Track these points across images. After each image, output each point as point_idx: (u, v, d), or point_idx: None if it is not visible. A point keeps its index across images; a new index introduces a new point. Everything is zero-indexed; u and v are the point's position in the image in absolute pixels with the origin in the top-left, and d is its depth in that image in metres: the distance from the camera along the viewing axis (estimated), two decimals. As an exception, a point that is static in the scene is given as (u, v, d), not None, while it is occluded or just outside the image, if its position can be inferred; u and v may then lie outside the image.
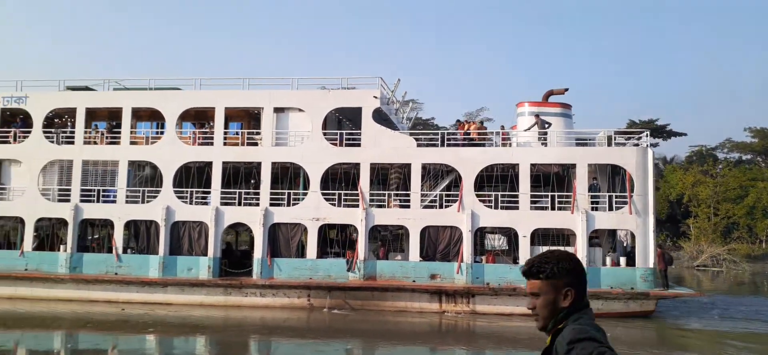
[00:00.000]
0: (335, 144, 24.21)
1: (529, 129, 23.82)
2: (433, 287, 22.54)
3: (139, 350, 19.11)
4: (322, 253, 23.89)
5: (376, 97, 23.98)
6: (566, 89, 25.06)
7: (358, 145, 24.00)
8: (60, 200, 25.44)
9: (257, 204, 24.28)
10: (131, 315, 22.46)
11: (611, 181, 23.14)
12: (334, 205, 23.84)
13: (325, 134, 24.26)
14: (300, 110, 24.63)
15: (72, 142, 25.83)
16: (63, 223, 25.51)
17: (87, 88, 27.04)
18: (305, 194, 24.04)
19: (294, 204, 24.17)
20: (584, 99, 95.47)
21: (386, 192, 23.94)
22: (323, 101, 24.36)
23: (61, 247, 25.03)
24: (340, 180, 24.62)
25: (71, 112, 26.35)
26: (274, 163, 24.45)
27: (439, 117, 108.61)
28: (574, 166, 22.68)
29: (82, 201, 25.22)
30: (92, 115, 26.88)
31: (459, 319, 22.29)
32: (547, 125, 23.50)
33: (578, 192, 22.29)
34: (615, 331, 20.57)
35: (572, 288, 2.61)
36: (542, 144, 23.23)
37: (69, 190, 25.40)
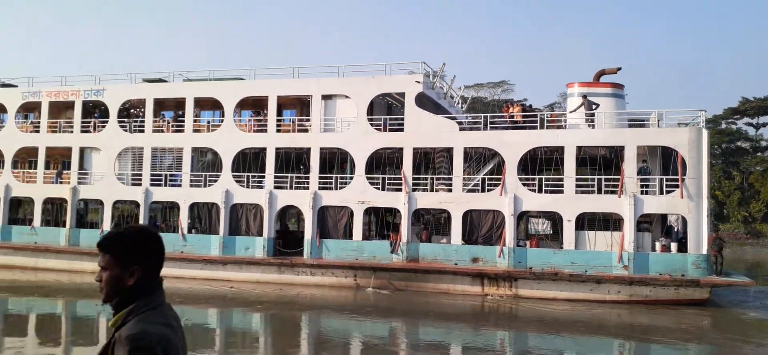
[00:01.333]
0: (379, 129, 24.07)
1: (575, 110, 22.55)
2: (474, 270, 22.06)
3: (203, 322, 20.05)
4: (381, 235, 24.09)
5: (418, 81, 23.42)
6: (619, 68, 23.37)
7: (402, 129, 23.76)
8: (133, 184, 27.04)
9: (307, 188, 24.69)
10: (197, 289, 23.63)
11: (664, 163, 21.57)
12: (378, 189, 23.79)
13: (370, 120, 24.20)
14: (346, 97, 24.57)
15: (142, 131, 27.20)
16: (135, 205, 27.18)
17: (160, 80, 28.34)
18: (351, 178, 24.20)
19: (341, 188, 24.32)
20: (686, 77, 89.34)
21: (428, 176, 23.60)
22: (367, 87, 24.06)
23: (135, 227, 26.64)
24: (384, 164, 24.52)
25: (142, 103, 27.81)
26: (322, 149, 24.49)
27: (533, 98, 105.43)
28: (622, 148, 21.30)
29: (152, 185, 26.65)
30: (161, 105, 28.16)
31: (501, 302, 21.69)
32: (594, 106, 22.12)
33: (626, 175, 20.97)
34: (660, 319, 19.41)
35: (139, 267, 2.42)
36: (589, 126, 21.95)
37: (140, 174, 26.93)
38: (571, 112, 22.45)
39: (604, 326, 18.84)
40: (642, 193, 20.83)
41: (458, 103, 29.79)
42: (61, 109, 28.97)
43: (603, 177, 21.35)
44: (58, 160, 29.15)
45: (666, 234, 21.65)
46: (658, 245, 20.73)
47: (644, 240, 20.88)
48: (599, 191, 21.24)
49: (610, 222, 21.39)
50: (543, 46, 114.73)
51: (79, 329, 18.31)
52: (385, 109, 25.66)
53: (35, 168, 28.62)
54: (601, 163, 21.79)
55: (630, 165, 20.75)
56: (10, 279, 24.88)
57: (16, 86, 29.69)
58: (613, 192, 21.01)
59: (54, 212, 29.27)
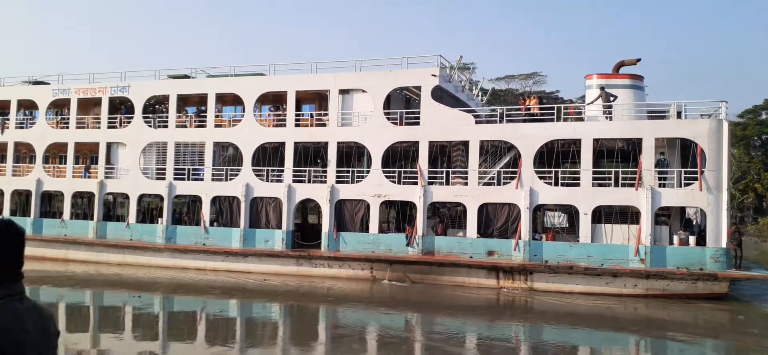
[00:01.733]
0: (396, 123, 24.21)
1: (592, 102, 22.32)
2: (489, 264, 22.08)
3: (224, 312, 20.51)
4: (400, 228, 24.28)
5: (434, 75, 23.49)
6: (638, 60, 23.02)
7: (418, 123, 23.87)
8: (157, 178, 27.72)
9: (325, 181, 25.00)
10: (219, 281, 24.19)
11: (683, 156, 21.23)
12: (394, 182, 23.96)
13: (386, 114, 24.36)
14: (363, 91, 24.79)
15: (166, 126, 27.91)
16: (160, 198, 27.89)
17: (185, 77, 28.92)
18: (368, 172, 24.42)
19: (357, 181, 24.60)
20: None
21: (443, 169, 23.68)
22: (383, 82, 24.20)
23: (159, 220, 27.45)
24: (400, 158, 24.67)
25: (166, 99, 28.46)
26: (339, 143, 24.75)
27: (566, 89, 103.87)
28: (640, 140, 21.02)
29: (175, 179, 27.32)
30: (184, 101, 28.81)
31: (516, 295, 21.68)
32: (612, 98, 21.88)
33: (644, 167, 20.71)
34: (677, 313, 19.15)
35: None
36: (607, 118, 21.71)
37: (164, 169, 27.60)
38: (588, 104, 22.23)
39: (619, 319, 18.70)
40: (660, 185, 20.54)
41: (478, 96, 29.72)
42: (89, 106, 29.85)
43: (620, 170, 21.13)
44: (87, 155, 30.06)
45: (685, 227, 21.33)
46: (676, 239, 20.44)
47: (662, 233, 20.62)
48: (616, 184, 21.04)
49: (627, 215, 21.16)
50: (575, 36, 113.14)
51: (106, 317, 18.90)
52: (403, 103, 25.78)
53: (65, 163, 29.53)
54: (618, 156, 21.55)
55: (647, 157, 20.49)
56: (40, 270, 25.78)
57: (49, 84, 30.65)
58: (630, 185, 20.79)
59: (82, 205, 30.18)
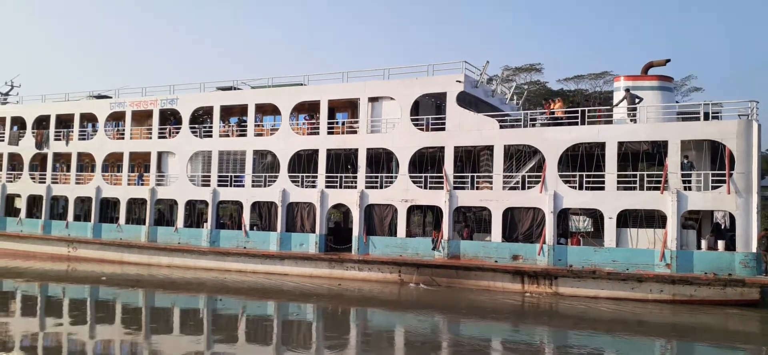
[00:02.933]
0: (422, 129, 24.77)
1: (618, 104, 22.09)
2: (514, 268, 22.29)
3: (263, 312, 21.71)
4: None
5: (459, 81, 23.90)
6: (668, 60, 22.56)
7: (443, 128, 24.33)
8: (203, 185, 29.46)
9: (355, 187, 25.88)
10: (258, 283, 25.43)
11: (711, 158, 20.72)
12: (421, 187, 24.54)
13: (413, 120, 24.96)
14: (391, 99, 25.50)
15: (210, 136, 29.62)
16: (205, 204, 29.59)
17: (232, 88, 30.50)
18: (395, 178, 25.09)
19: (386, 186, 25.32)
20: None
21: (469, 174, 24.01)
22: (410, 89, 24.83)
23: (204, 224, 29.14)
24: (426, 163, 25.19)
25: (210, 110, 30.15)
26: (368, 149, 25.57)
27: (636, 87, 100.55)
28: (665, 142, 20.68)
29: (219, 185, 28.95)
30: (228, 111, 30.47)
31: (541, 300, 21.78)
32: (637, 100, 21.58)
33: (669, 170, 20.37)
34: (704, 320, 18.72)
35: None
36: (631, 120, 21.45)
37: (209, 176, 29.28)
38: (614, 106, 22.05)
39: (644, 325, 18.55)
40: (686, 188, 20.18)
41: (513, 100, 29.81)
42: (142, 118, 32.00)
43: (645, 173, 20.88)
44: (141, 164, 32.21)
45: (716, 232, 20.81)
46: (703, 243, 20.01)
47: (689, 238, 20.23)
48: (641, 187, 20.80)
49: (653, 219, 20.88)
50: (649, 34, 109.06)
51: (157, 317, 20.35)
52: (433, 109, 26.28)
53: (121, 171, 31.79)
54: (643, 159, 21.29)
55: (673, 160, 20.17)
56: (99, 271, 27.97)
57: (110, 98, 33.05)
58: (655, 188, 20.52)
59: (137, 210, 32.36)
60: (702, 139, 20.40)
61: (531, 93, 66.22)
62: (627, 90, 21.72)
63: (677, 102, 21.78)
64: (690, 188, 20.25)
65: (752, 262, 19.11)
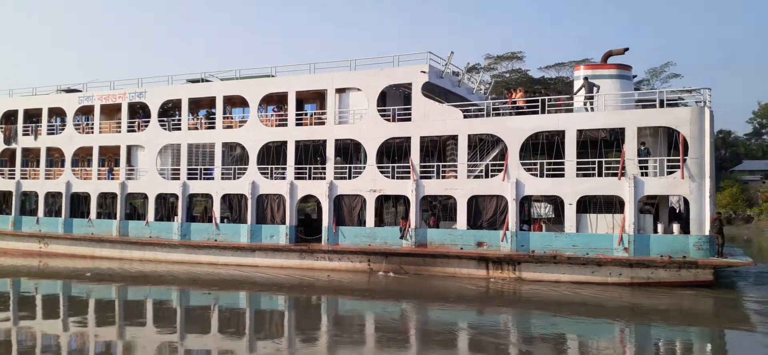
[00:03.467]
0: (389, 119, 25.07)
1: (576, 93, 22.56)
2: (478, 254, 22.79)
3: (235, 304, 21.92)
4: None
5: (424, 71, 24.17)
6: (626, 49, 23.07)
7: (409, 119, 24.64)
8: (172, 178, 29.47)
9: (324, 178, 26.13)
10: (229, 275, 25.63)
11: (668, 145, 21.32)
12: (388, 177, 24.86)
13: (380, 111, 25.22)
14: (358, 90, 25.74)
15: (179, 129, 29.58)
16: (176, 197, 29.63)
17: (203, 80, 30.42)
18: (363, 168, 25.39)
19: (354, 177, 25.62)
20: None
21: (435, 164, 24.40)
22: (377, 80, 25.06)
23: (175, 218, 29.22)
24: (394, 153, 25.51)
25: (179, 103, 30.08)
26: (337, 140, 25.80)
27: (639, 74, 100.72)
28: (622, 130, 21.22)
29: (189, 178, 29.00)
30: (197, 104, 30.45)
31: (505, 285, 22.33)
32: (595, 89, 22.08)
33: (627, 157, 20.92)
34: (661, 301, 19.36)
35: None
36: (588, 109, 21.95)
37: (179, 169, 29.31)
38: (574, 94, 22.52)
39: (604, 307, 19.15)
40: (643, 174, 20.75)
41: (482, 91, 30.16)
42: (112, 111, 31.83)
43: (603, 160, 21.42)
44: (111, 158, 32.10)
45: (676, 217, 21.45)
46: (660, 227, 20.65)
47: (646, 222, 20.85)
48: (600, 174, 21.35)
49: (612, 205, 21.45)
50: (632, 21, 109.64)
51: (130, 310, 20.43)
52: (402, 100, 26.54)
53: (91, 166, 31.66)
54: (601, 146, 21.82)
55: (630, 147, 20.72)
56: (72, 266, 27.95)
57: (80, 91, 32.78)
58: (613, 174, 21.07)
59: (107, 205, 32.31)
60: (657, 126, 20.94)
61: (512, 81, 66.66)
62: (585, 79, 22.20)
63: (636, 90, 22.22)
64: (647, 174, 20.82)
65: (705, 244, 19.78)
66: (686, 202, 20.55)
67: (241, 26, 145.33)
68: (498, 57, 72.27)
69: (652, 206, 21.51)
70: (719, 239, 19.85)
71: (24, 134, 33.49)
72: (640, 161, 20.89)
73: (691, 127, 20.07)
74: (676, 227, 20.47)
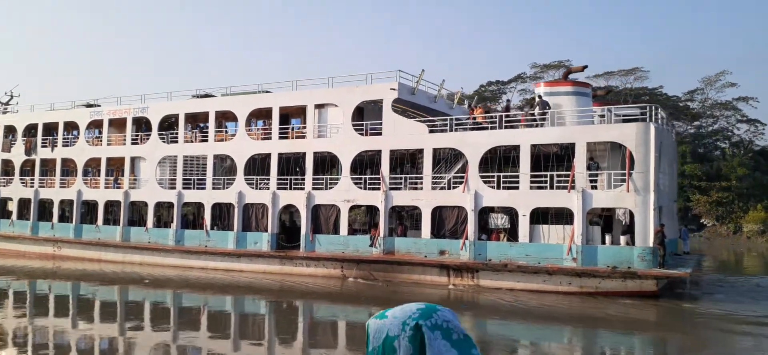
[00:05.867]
0: (362, 134, 26.39)
1: (533, 110, 23.46)
2: (440, 262, 23.82)
3: (222, 306, 23.52)
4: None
5: (393, 88, 25.40)
6: (585, 67, 23.88)
7: (380, 133, 25.89)
8: (169, 188, 31.43)
9: (303, 188, 27.60)
10: (217, 279, 27.31)
11: (615, 159, 21.97)
12: (361, 188, 26.16)
13: (355, 125, 26.54)
14: (335, 105, 27.17)
15: (176, 142, 31.60)
16: (171, 205, 31.58)
17: (208, 95, 32.33)
18: (337, 179, 26.75)
19: (330, 188, 26.98)
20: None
21: (403, 176, 25.58)
22: (351, 96, 26.46)
23: (171, 225, 31.14)
24: (366, 165, 26.79)
25: (176, 118, 32.09)
26: (315, 153, 27.28)
27: (671, 85, 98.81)
28: (573, 145, 21.99)
29: (183, 188, 30.91)
30: (194, 118, 32.43)
31: (464, 292, 23.32)
32: (547, 107, 22.91)
33: (577, 171, 21.69)
34: (608, 310, 20.05)
35: None
36: (539, 125, 22.80)
37: (175, 179, 31.27)
38: (531, 112, 23.43)
39: (554, 315, 20.01)
40: (592, 187, 21.51)
41: (460, 104, 31.19)
42: (120, 125, 34.07)
43: (555, 173, 22.24)
44: (118, 168, 34.32)
45: (628, 229, 22.10)
46: (608, 238, 21.35)
47: (594, 233, 21.57)
48: (551, 187, 22.17)
49: (562, 216, 22.24)
50: (687, 31, 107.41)
51: (131, 311, 22.23)
52: (378, 115, 27.81)
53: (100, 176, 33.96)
54: (553, 160, 22.64)
55: (580, 161, 21.51)
56: (81, 269, 30.13)
57: (99, 106, 35.15)
58: (564, 187, 21.87)
59: (114, 212, 34.52)
60: (605, 142, 21.67)
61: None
62: (539, 96, 23.07)
63: (594, 109, 22.99)
64: (596, 187, 21.56)
65: (649, 255, 20.40)
66: (631, 215, 21.19)
67: (266, 39, 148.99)
68: (544, 65, 70.64)
69: (603, 219, 22.19)
70: (661, 251, 20.44)
71: (42, 146, 36.08)
72: (590, 175, 21.64)
73: (637, 142, 20.75)
74: (622, 238, 21.13)
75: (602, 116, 22.76)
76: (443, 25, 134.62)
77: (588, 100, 23.75)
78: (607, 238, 21.45)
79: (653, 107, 21.24)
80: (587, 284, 21.27)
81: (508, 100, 22.54)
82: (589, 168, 21.64)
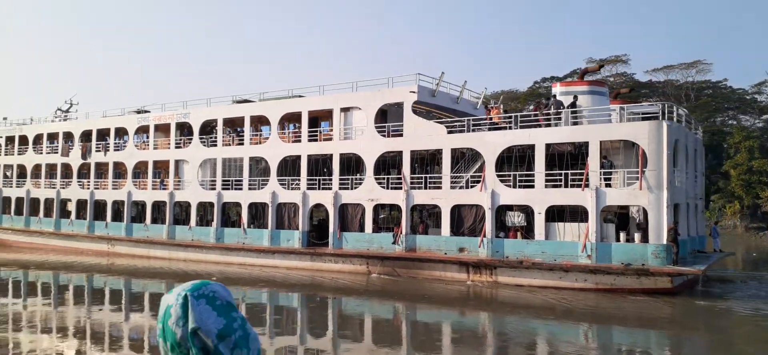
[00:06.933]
0: (384, 135, 27.26)
1: (549, 109, 23.68)
2: (460, 259, 24.48)
3: (258, 299, 25.08)
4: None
5: (413, 91, 26.16)
6: (601, 66, 23.97)
7: (401, 135, 26.68)
8: (210, 189, 33.24)
9: (331, 188, 28.74)
10: (254, 274, 28.87)
11: (628, 157, 21.99)
12: (384, 187, 27.08)
13: (377, 127, 27.43)
14: (359, 109, 28.15)
15: (216, 145, 33.36)
16: (211, 205, 33.36)
17: (246, 101, 33.97)
18: (362, 180, 27.74)
19: (356, 187, 28.02)
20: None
21: (422, 176, 26.29)
22: (374, 100, 27.39)
23: (212, 223, 32.94)
24: (389, 166, 27.65)
25: (215, 122, 33.82)
26: (341, 154, 28.42)
27: (737, 77, 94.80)
28: (587, 143, 22.16)
29: (223, 189, 32.65)
30: (232, 122, 34.11)
31: (483, 288, 23.90)
32: (562, 106, 23.08)
33: (590, 169, 21.87)
34: (621, 306, 20.23)
35: None
36: (555, 124, 23.01)
37: (215, 180, 33.04)
38: (546, 112, 23.69)
39: (570, 311, 20.41)
40: (607, 186, 21.68)
41: (484, 105, 31.61)
42: (164, 130, 36.15)
43: (569, 172, 22.50)
44: (164, 170, 36.45)
45: (642, 227, 22.17)
46: (622, 236, 21.50)
47: (608, 231, 21.74)
48: (566, 185, 22.44)
49: (577, 214, 22.49)
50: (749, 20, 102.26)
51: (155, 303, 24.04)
52: (402, 117, 28.60)
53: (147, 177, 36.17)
54: (568, 159, 22.87)
55: (593, 160, 21.71)
56: (132, 265, 32.36)
57: (149, 112, 37.44)
58: (578, 186, 22.12)
59: (161, 211, 36.70)
60: (618, 140, 21.77)
61: (615, 85, 64.21)
62: (554, 96, 23.30)
63: (611, 108, 23.07)
64: (610, 185, 21.72)
65: (662, 252, 20.46)
66: (645, 212, 21.25)
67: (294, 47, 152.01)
68: (600, 60, 68.66)
69: (618, 217, 22.31)
70: (674, 248, 20.45)
71: (96, 151, 38.65)
72: (604, 173, 21.81)
73: (649, 140, 20.79)
74: (637, 235, 21.24)
75: (622, 110, 22.79)
76: (497, 20, 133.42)
77: (604, 99, 23.79)
78: (622, 235, 21.57)
79: (669, 105, 21.16)
80: (602, 280, 21.51)
81: (553, 95, 22.79)
82: (603, 166, 21.80)
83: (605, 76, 66.61)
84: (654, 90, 67.11)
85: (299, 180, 29.68)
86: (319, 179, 29.01)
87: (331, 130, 29.06)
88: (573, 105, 23.09)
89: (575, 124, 22.64)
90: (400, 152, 26.38)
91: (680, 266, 20.43)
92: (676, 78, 66.42)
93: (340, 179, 28.26)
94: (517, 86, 71.26)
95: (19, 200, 42.16)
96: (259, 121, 32.76)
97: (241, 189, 31.77)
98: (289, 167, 30.52)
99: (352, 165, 28.75)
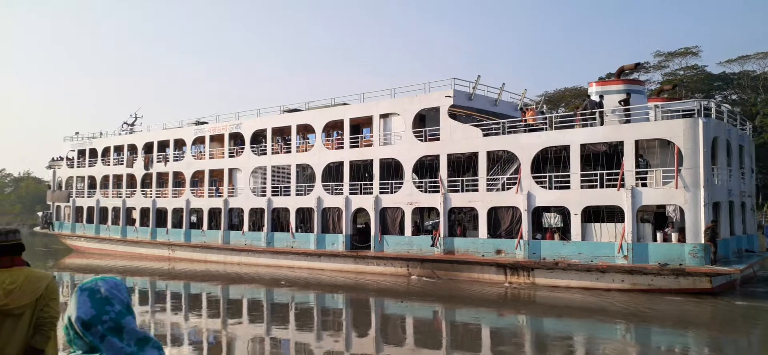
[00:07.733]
0: (422, 140, 27.75)
1: (584, 109, 23.51)
2: (496, 261, 24.67)
3: (305, 301, 26.23)
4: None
5: (448, 96, 26.56)
6: (637, 65, 23.45)
7: (438, 139, 27.11)
8: (261, 195, 34.72)
9: (372, 192, 29.49)
10: (302, 277, 30.03)
11: (664, 156, 21.57)
12: (422, 191, 27.58)
13: (415, 132, 27.97)
14: (397, 115, 28.76)
15: (265, 154, 34.81)
16: (263, 210, 34.82)
17: (296, 110, 35.34)
18: (401, 184, 28.34)
19: (395, 191, 28.65)
20: None
21: (459, 179, 26.60)
22: (411, 105, 27.94)
23: (263, 228, 34.38)
24: (426, 170, 28.09)
25: (265, 132, 35.29)
26: (381, 159, 29.13)
27: None
28: (621, 143, 21.90)
29: (272, 195, 34.03)
30: (280, 131, 35.48)
31: (521, 289, 23.99)
32: (597, 106, 22.87)
33: (626, 169, 21.62)
34: (658, 306, 19.94)
35: None
36: (590, 124, 22.82)
37: (265, 187, 34.47)
38: (580, 112, 23.58)
39: (607, 311, 20.36)
40: (642, 185, 21.42)
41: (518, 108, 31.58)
42: (218, 140, 38.00)
43: (604, 172, 22.33)
44: (220, 179, 38.29)
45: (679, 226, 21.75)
46: (659, 236, 21.18)
47: (645, 231, 21.46)
48: (601, 186, 22.29)
49: (613, 214, 22.28)
50: None
51: (232, 305, 25.52)
52: (439, 121, 29.06)
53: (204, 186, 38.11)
54: (603, 159, 22.68)
55: (629, 159, 21.50)
56: (191, 269, 34.25)
57: (207, 123, 39.43)
58: (613, 186, 21.95)
59: (216, 218, 38.55)
60: (654, 139, 21.45)
61: (686, 78, 61.40)
62: (588, 96, 23.15)
63: (648, 106, 22.72)
64: (646, 185, 21.44)
65: (700, 252, 20.04)
66: (682, 211, 20.85)
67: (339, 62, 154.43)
68: (669, 54, 65.59)
69: (655, 216, 21.96)
70: (713, 247, 19.99)
71: (157, 161, 41.02)
72: (640, 173, 21.55)
73: (685, 138, 20.41)
74: (674, 235, 20.87)
75: (658, 108, 22.42)
76: (559, 14, 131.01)
77: (642, 98, 23.43)
78: (658, 235, 21.24)
79: (707, 102, 20.69)
80: (639, 281, 21.26)
81: (588, 95, 22.77)
82: (638, 166, 21.54)
83: (674, 70, 63.80)
84: (728, 82, 63.70)
85: (342, 185, 30.60)
86: (361, 184, 29.83)
87: (372, 136, 29.82)
88: (626, 102, 22.77)
89: (614, 123, 22.42)
90: (438, 156, 26.83)
91: (719, 265, 19.91)
92: (753, 68, 62.42)
93: (381, 184, 28.98)
94: (581, 83, 68.97)
95: (90, 209, 45.24)
96: (306, 130, 33.94)
97: (289, 195, 33.03)
98: (332, 173, 31.51)
99: (391, 170, 29.41)
